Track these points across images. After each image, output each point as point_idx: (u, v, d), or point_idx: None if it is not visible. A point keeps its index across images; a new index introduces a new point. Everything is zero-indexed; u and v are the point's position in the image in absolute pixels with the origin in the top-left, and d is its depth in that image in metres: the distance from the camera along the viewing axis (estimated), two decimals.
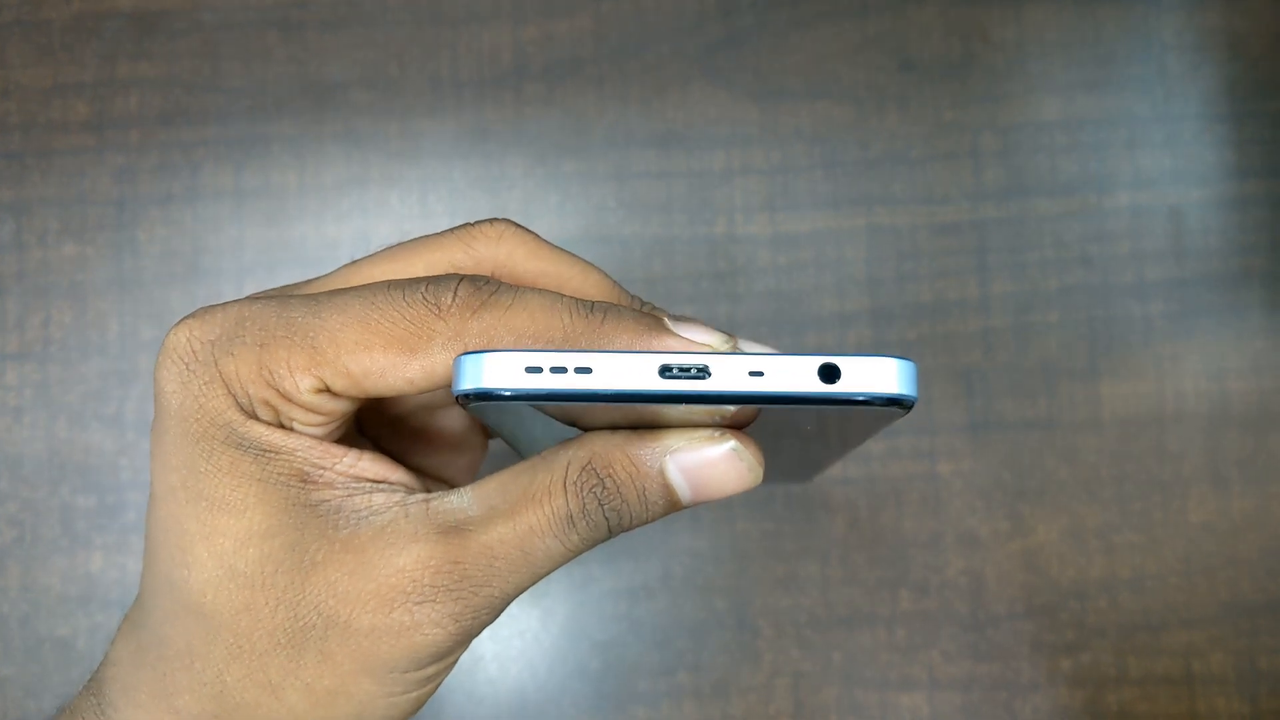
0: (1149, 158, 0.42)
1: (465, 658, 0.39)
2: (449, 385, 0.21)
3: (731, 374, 0.20)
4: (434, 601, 0.21)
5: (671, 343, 0.21)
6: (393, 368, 0.21)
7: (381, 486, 0.22)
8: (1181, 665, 0.40)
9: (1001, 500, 0.41)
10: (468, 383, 0.19)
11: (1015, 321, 0.41)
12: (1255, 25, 0.42)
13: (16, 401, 0.40)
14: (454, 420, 0.27)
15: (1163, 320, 0.41)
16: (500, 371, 0.19)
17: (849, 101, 0.42)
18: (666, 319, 0.21)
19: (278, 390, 0.21)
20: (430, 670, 0.22)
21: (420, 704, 0.23)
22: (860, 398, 0.20)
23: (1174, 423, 0.41)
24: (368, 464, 0.22)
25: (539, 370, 0.19)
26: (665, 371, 0.20)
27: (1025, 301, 0.41)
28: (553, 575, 0.40)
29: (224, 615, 0.21)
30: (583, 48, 0.42)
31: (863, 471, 0.41)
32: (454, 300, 0.21)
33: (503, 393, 0.19)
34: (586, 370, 0.20)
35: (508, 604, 0.22)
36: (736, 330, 0.40)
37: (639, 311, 0.22)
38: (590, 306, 0.21)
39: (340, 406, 0.22)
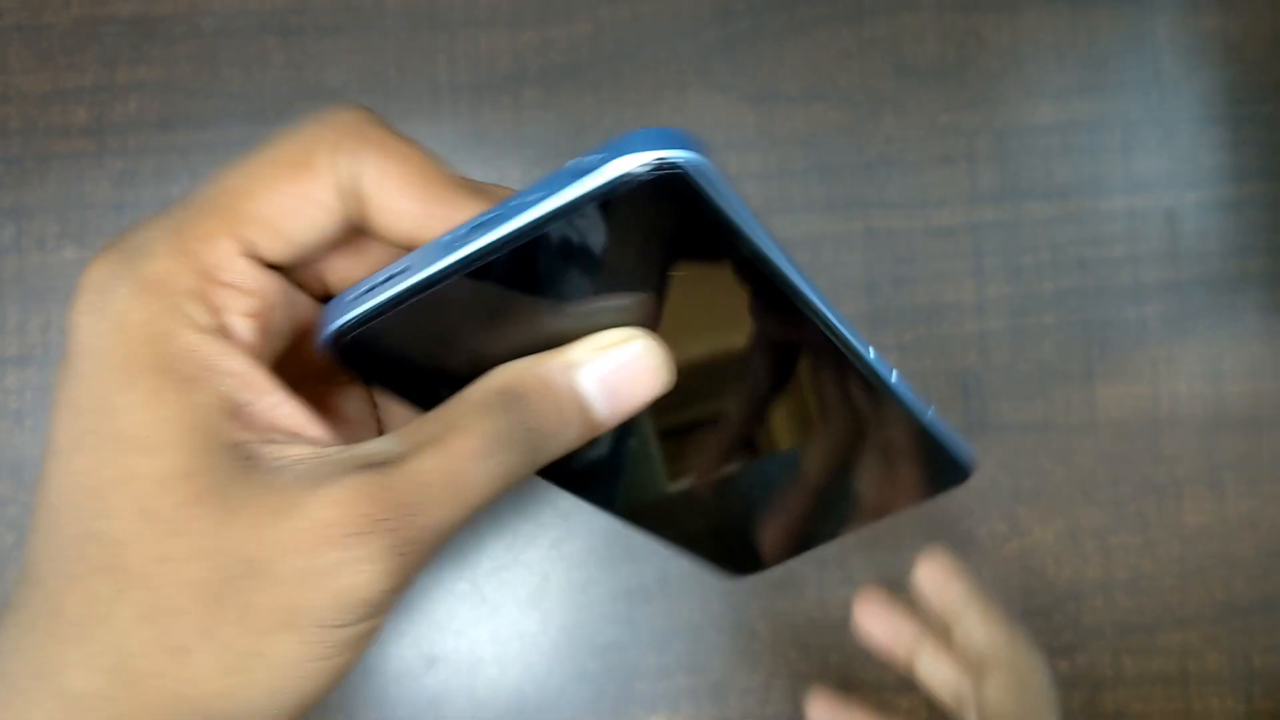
0: (1144, 161, 0.42)
1: (466, 660, 0.40)
2: (350, 209, 0.20)
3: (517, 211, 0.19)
4: (368, 533, 0.19)
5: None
6: (302, 198, 0.20)
7: (298, 440, 0.21)
8: (1177, 665, 0.41)
9: (998, 502, 0.41)
10: (333, 321, 0.19)
11: (1011, 324, 0.41)
12: (1250, 28, 0.42)
13: (17, 405, 0.40)
14: (353, 404, 0.26)
15: (1158, 323, 0.42)
16: (349, 305, 0.19)
17: (845, 105, 0.42)
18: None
19: (203, 272, 0.19)
20: (359, 629, 0.20)
21: (338, 676, 0.21)
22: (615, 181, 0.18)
23: (1169, 425, 0.41)
24: (289, 411, 0.21)
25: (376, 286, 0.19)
26: (466, 238, 0.19)
27: (1021, 304, 0.41)
28: (551, 578, 0.40)
29: (138, 569, 0.19)
30: (580, 52, 0.42)
31: None
32: (345, 117, 0.20)
33: (352, 318, 0.19)
34: (404, 270, 0.19)
35: (439, 541, 0.20)
36: None
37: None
38: (471, 182, 0.21)
39: (270, 286, 0.20)
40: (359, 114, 0.20)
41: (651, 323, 0.21)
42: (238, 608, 0.19)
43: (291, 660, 0.20)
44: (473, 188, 0.21)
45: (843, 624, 0.40)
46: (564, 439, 0.21)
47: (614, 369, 0.21)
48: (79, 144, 0.41)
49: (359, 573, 0.19)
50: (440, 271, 0.19)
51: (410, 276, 0.19)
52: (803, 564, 0.40)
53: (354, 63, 0.41)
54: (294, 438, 0.21)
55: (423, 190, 0.21)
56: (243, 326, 0.20)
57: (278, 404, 0.20)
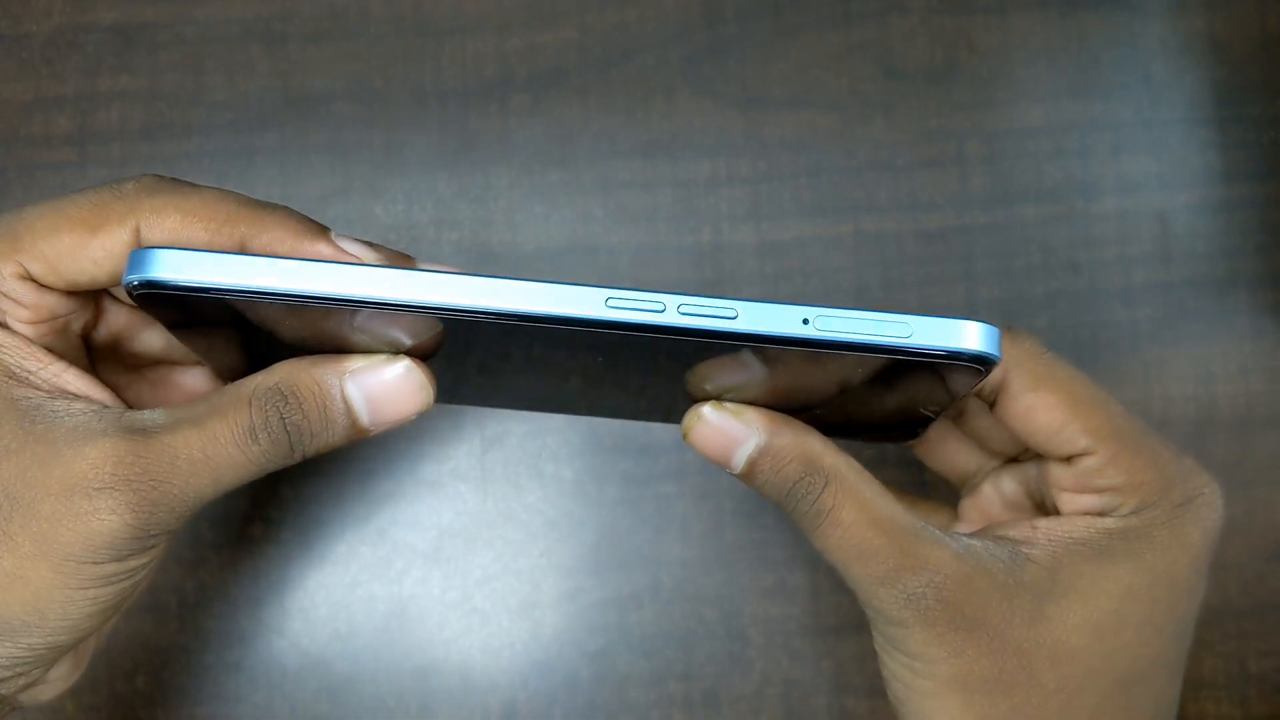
0: (1134, 163, 0.42)
1: (456, 669, 0.39)
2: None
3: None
4: (113, 489, 0.22)
5: (324, 249, 0.24)
6: (79, 246, 0.23)
7: (76, 397, 0.24)
8: None
9: None
10: (133, 272, 0.21)
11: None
12: (1237, 29, 0.42)
13: None
14: (193, 380, 0.30)
15: (1150, 325, 0.41)
16: (167, 262, 0.21)
17: (834, 110, 0.42)
18: (333, 232, 0.24)
19: None
20: (109, 568, 0.23)
21: (102, 608, 0.24)
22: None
23: (1161, 427, 0.41)
24: (73, 377, 0.25)
25: (201, 264, 0.21)
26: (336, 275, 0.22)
27: (1012, 308, 0.41)
28: (541, 586, 0.40)
29: None
30: (567, 58, 0.41)
31: None
32: (134, 185, 0.24)
33: (166, 282, 0.21)
34: (248, 269, 0.21)
35: (190, 509, 0.24)
36: None
37: (305, 216, 0.24)
38: (260, 202, 0.24)
39: (46, 302, 0.24)
40: (149, 180, 0.24)
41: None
42: (2, 535, 0.23)
43: (48, 585, 0.23)
44: (269, 208, 0.24)
45: (835, 629, 0.40)
46: (326, 438, 0.25)
47: (381, 383, 0.24)
48: (61, 153, 0.41)
49: (100, 520, 0.22)
50: (313, 295, 0.21)
51: (260, 281, 0.22)
52: (794, 571, 0.40)
53: (339, 70, 0.41)
54: (77, 398, 0.24)
55: (222, 228, 0.24)
56: (19, 326, 0.24)
57: (61, 371, 0.24)
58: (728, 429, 0.26)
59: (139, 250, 0.22)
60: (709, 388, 0.26)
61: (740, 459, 0.26)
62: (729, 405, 0.26)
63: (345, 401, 0.24)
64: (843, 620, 0.40)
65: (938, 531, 0.26)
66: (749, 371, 0.24)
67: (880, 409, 0.27)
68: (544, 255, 0.41)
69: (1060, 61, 0.42)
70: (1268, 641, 0.41)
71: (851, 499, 0.25)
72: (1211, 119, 0.42)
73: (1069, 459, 0.27)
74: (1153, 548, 0.26)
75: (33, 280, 0.24)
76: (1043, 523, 0.27)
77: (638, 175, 0.41)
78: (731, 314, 0.21)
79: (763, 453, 0.25)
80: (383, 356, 0.24)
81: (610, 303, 0.21)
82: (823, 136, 0.42)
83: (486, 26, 0.41)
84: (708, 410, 0.26)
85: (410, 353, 0.24)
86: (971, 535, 0.27)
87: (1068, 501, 0.28)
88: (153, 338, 0.28)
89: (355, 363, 0.24)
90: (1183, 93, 0.42)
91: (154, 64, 0.41)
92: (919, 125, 0.42)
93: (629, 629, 0.40)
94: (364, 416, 0.25)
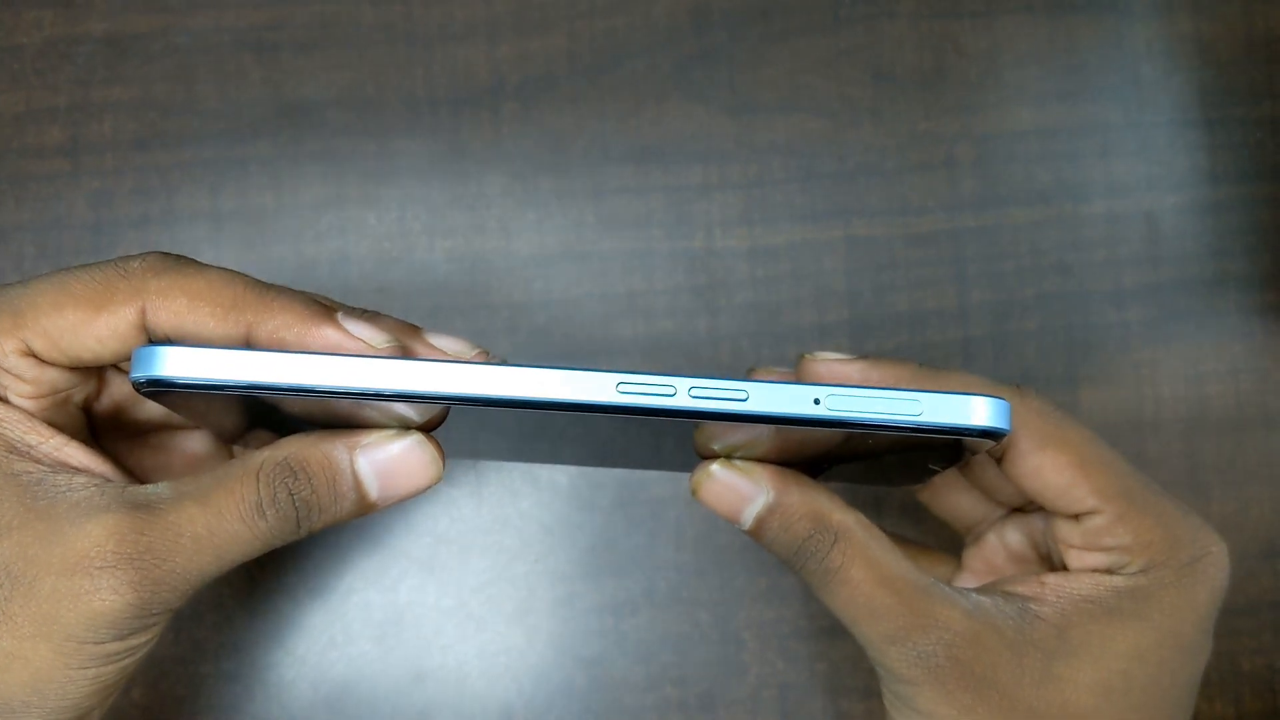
0: (1123, 165, 0.42)
1: (452, 676, 0.40)
2: (138, 342, 0.23)
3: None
4: (115, 568, 0.22)
5: (331, 334, 0.23)
6: (83, 324, 0.23)
7: (77, 471, 0.24)
8: None
9: None
10: (140, 370, 0.21)
11: (993, 330, 0.41)
12: (1223, 31, 0.43)
13: None
14: (195, 444, 0.29)
15: (1140, 326, 0.42)
16: (174, 361, 0.21)
17: (823, 115, 0.42)
18: (340, 313, 0.24)
19: None
20: (111, 647, 0.23)
21: (103, 686, 0.24)
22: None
23: (1152, 428, 0.41)
24: (74, 450, 0.24)
25: (210, 361, 0.21)
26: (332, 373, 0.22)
27: (1003, 310, 0.41)
28: (536, 592, 0.40)
29: None
30: (558, 65, 0.42)
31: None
32: (140, 264, 0.24)
33: (174, 380, 0.21)
34: (253, 362, 0.21)
35: (193, 587, 0.23)
36: (718, 343, 0.41)
37: (311, 297, 0.24)
38: (266, 285, 0.24)
39: (48, 377, 0.24)
40: (155, 260, 0.24)
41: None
42: (4, 612, 0.22)
43: (48, 665, 0.22)
44: (274, 291, 0.24)
45: (829, 632, 0.40)
46: (334, 513, 0.25)
47: (391, 457, 0.24)
48: (54, 164, 0.41)
49: (102, 600, 0.22)
50: (288, 387, 0.22)
51: (269, 375, 0.22)
52: (787, 573, 0.40)
53: (331, 78, 0.41)
54: (78, 472, 0.23)
55: (228, 313, 0.23)
56: (20, 400, 0.24)
57: (62, 445, 0.24)
58: (737, 486, 0.26)
59: (145, 348, 0.22)
60: (717, 447, 0.26)
61: (749, 516, 0.26)
62: (738, 463, 0.26)
63: (355, 477, 0.24)
64: (836, 622, 0.40)
65: (947, 588, 0.26)
66: (757, 433, 0.24)
67: (886, 464, 0.28)
68: (537, 262, 0.41)
69: (1048, 64, 0.42)
70: (1258, 639, 0.41)
71: (860, 556, 0.26)
72: (1199, 121, 0.42)
73: (1076, 516, 0.28)
74: (1161, 608, 0.26)
75: (34, 356, 0.24)
76: (1051, 579, 0.27)
77: (629, 181, 0.41)
78: (742, 396, 0.22)
79: (771, 510, 0.26)
80: (392, 431, 0.24)
81: (621, 388, 0.21)
82: (813, 141, 0.42)
83: (477, 34, 0.42)
84: (716, 468, 0.26)
85: (419, 426, 0.25)
86: (980, 591, 0.27)
87: (1075, 558, 0.28)
88: (154, 406, 0.28)
89: (365, 438, 0.24)
90: (1170, 95, 0.43)
91: (146, 74, 0.41)
92: (908, 129, 0.42)
93: (624, 634, 0.40)
94: (373, 491, 0.24)
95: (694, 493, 0.26)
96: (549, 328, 0.40)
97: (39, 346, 0.23)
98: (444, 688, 0.40)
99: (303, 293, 0.24)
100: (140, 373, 0.21)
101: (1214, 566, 0.27)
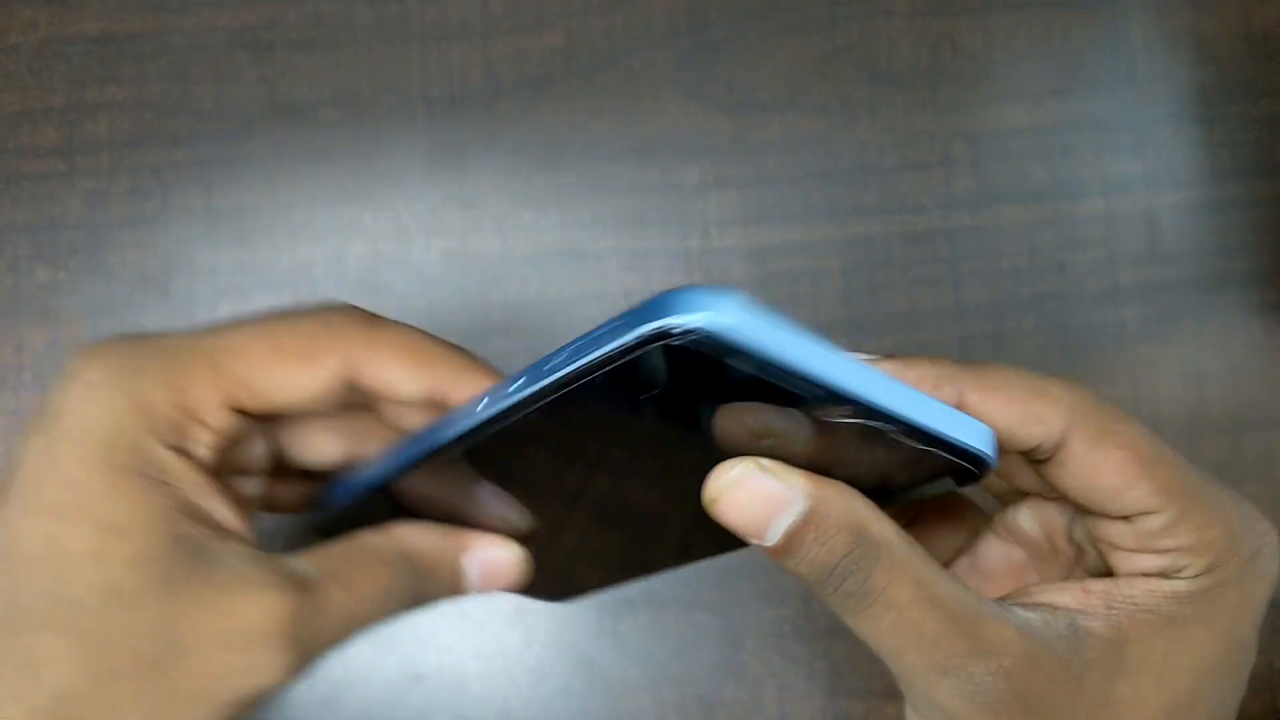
0: (1120, 162, 0.42)
1: (450, 677, 0.39)
2: (337, 394, 0.24)
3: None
4: (280, 648, 0.23)
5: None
6: (292, 379, 0.24)
7: (233, 535, 0.24)
8: None
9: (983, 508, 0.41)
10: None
11: (990, 329, 0.41)
12: (1220, 28, 0.43)
13: None
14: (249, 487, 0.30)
15: (1138, 325, 0.42)
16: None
17: (819, 113, 0.42)
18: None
19: (185, 410, 0.23)
20: (248, 710, 0.24)
21: None
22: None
23: (1151, 427, 0.41)
24: (228, 514, 0.24)
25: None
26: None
27: (1000, 309, 0.41)
28: None
29: (93, 632, 0.22)
30: (553, 63, 0.42)
31: None
32: (342, 317, 0.24)
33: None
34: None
35: (322, 658, 0.25)
36: None
37: (487, 364, 0.26)
38: (442, 342, 0.25)
39: (235, 427, 0.24)
40: (355, 314, 0.25)
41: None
42: (167, 679, 0.22)
43: None
44: (462, 356, 0.25)
45: (828, 632, 0.40)
46: (437, 598, 0.27)
47: (493, 561, 0.27)
48: (49, 164, 0.40)
49: (263, 673, 0.23)
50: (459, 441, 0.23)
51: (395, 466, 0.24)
52: (786, 573, 0.40)
53: (326, 78, 0.41)
54: (231, 535, 0.24)
55: (426, 370, 0.25)
56: (202, 451, 0.24)
57: (220, 508, 0.24)
58: (769, 492, 0.22)
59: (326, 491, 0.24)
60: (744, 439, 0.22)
61: (778, 530, 0.22)
62: (767, 464, 0.22)
63: (460, 572, 0.27)
64: (836, 622, 0.40)
65: (995, 605, 0.23)
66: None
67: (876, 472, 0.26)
68: (533, 262, 0.41)
69: (1045, 62, 0.42)
70: (1259, 639, 0.41)
71: (906, 575, 0.22)
72: (1197, 118, 0.42)
73: (1128, 517, 0.24)
74: (1225, 611, 0.24)
75: (230, 406, 0.24)
76: (1097, 586, 0.24)
77: (626, 180, 0.41)
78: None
79: (807, 522, 0.22)
80: (499, 537, 0.27)
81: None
82: (809, 140, 0.42)
83: (471, 32, 0.41)
84: (743, 471, 0.22)
85: (515, 534, 0.27)
86: (1021, 605, 0.24)
87: (1124, 561, 0.25)
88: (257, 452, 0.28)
89: (473, 539, 0.27)
90: (1167, 92, 0.42)
91: (140, 74, 0.41)
92: (904, 127, 0.42)
93: (622, 635, 0.40)
94: (472, 585, 0.27)
95: (712, 504, 0.22)
96: (544, 328, 0.40)
97: (245, 398, 0.24)
98: (441, 689, 0.39)
99: (479, 358, 0.26)
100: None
101: (1269, 559, 0.25)
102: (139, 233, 0.40)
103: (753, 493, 0.22)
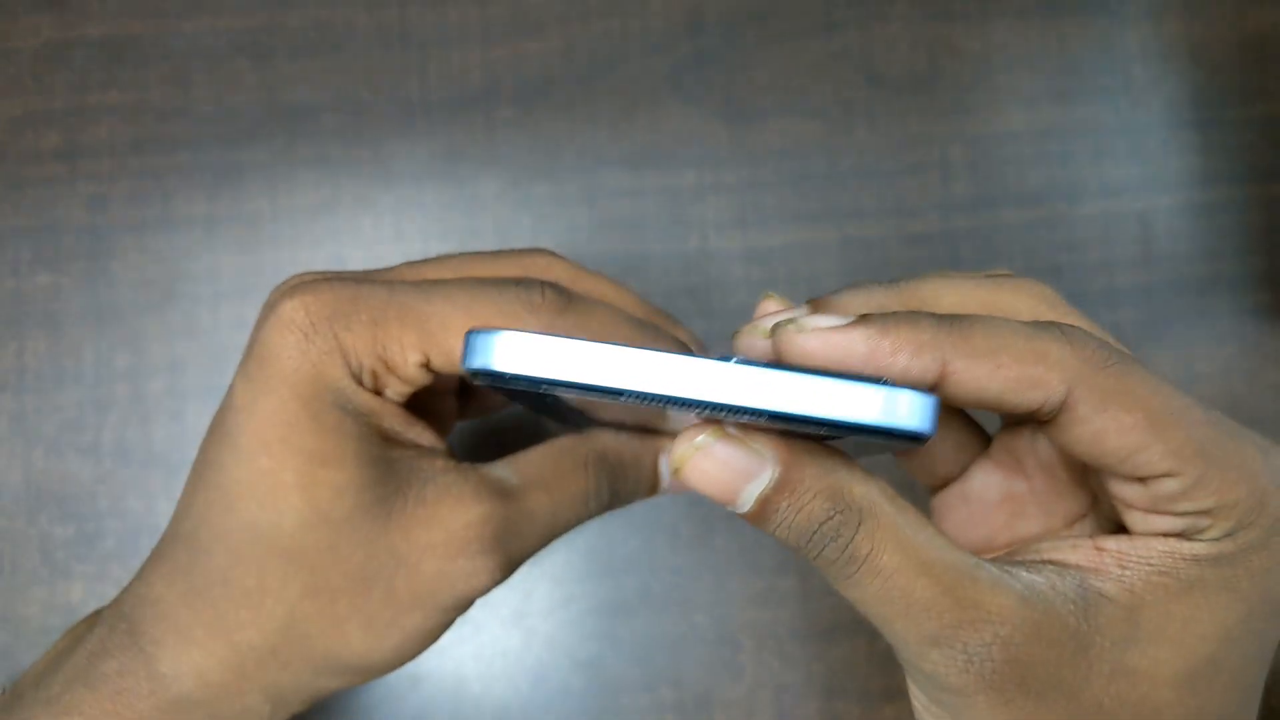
0: (1116, 166, 0.42)
1: (449, 678, 0.40)
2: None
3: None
4: (489, 553, 0.25)
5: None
6: None
7: (434, 452, 0.26)
8: None
9: None
10: (478, 361, 0.20)
11: None
12: (1216, 33, 0.43)
13: None
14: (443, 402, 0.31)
15: (1133, 327, 0.42)
16: (508, 354, 0.20)
17: (817, 117, 0.42)
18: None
19: (386, 362, 0.24)
20: (462, 611, 0.26)
21: (437, 637, 0.26)
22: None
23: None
24: (424, 432, 0.26)
25: (538, 358, 0.20)
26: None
27: None
28: (533, 595, 0.40)
29: (309, 556, 0.24)
30: (552, 68, 0.42)
31: None
32: (543, 299, 0.25)
33: (505, 375, 0.20)
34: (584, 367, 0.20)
35: (529, 558, 0.26)
36: (709, 344, 0.41)
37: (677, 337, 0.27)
38: (642, 323, 0.26)
39: (425, 379, 0.25)
40: (558, 292, 0.25)
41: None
42: (384, 591, 0.24)
43: (415, 631, 0.25)
44: (648, 327, 0.26)
45: (825, 633, 0.40)
46: (634, 498, 0.28)
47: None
48: (51, 168, 0.41)
49: (476, 577, 0.25)
50: (646, 394, 0.20)
51: (597, 378, 0.20)
52: (784, 575, 0.40)
53: (326, 82, 0.41)
54: (432, 452, 0.26)
55: (628, 325, 0.26)
56: (396, 395, 0.25)
57: (419, 430, 0.26)
58: (733, 461, 0.21)
59: (478, 334, 0.20)
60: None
61: (749, 496, 0.21)
62: (732, 431, 0.21)
63: (659, 473, 0.28)
64: (833, 624, 0.40)
65: (994, 568, 0.22)
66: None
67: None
68: None
69: (1041, 66, 0.42)
70: None
71: (891, 539, 0.21)
72: (1192, 122, 0.43)
73: (1142, 479, 0.22)
74: (1250, 575, 0.22)
75: (427, 366, 0.25)
76: (1111, 544, 0.22)
77: (624, 184, 0.42)
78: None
79: (779, 487, 0.21)
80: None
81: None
82: (807, 143, 0.42)
83: (470, 36, 0.42)
84: (707, 439, 0.21)
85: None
86: (1028, 567, 0.22)
87: (1139, 520, 0.23)
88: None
89: (666, 442, 0.28)
90: (1163, 96, 0.43)
91: (142, 78, 0.41)
92: (902, 131, 0.42)
93: (620, 636, 0.40)
94: (667, 486, 0.29)
95: (675, 472, 0.22)
96: None
97: (440, 363, 0.25)
98: (441, 690, 0.40)
99: (666, 333, 0.27)
100: (478, 364, 0.20)
101: None
102: (140, 237, 0.41)
103: (718, 460, 0.21)
